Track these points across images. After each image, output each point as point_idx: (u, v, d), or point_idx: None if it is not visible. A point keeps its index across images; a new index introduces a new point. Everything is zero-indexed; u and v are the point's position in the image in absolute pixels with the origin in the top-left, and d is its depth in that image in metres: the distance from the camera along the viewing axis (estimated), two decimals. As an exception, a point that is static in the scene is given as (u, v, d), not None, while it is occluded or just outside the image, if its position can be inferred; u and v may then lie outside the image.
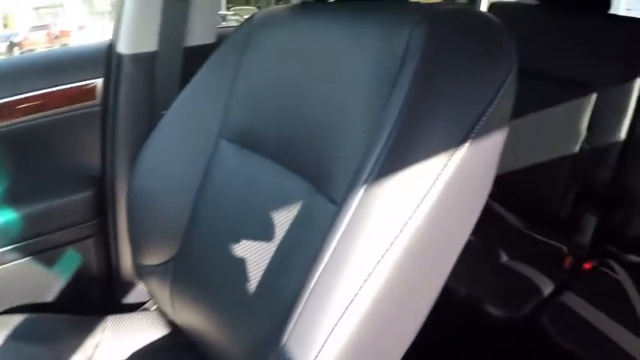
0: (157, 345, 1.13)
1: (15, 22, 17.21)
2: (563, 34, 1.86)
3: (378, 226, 0.65)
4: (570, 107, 1.78)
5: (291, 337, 0.68)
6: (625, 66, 1.75)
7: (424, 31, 0.71)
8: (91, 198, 1.36)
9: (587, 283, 1.58)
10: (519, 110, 1.84)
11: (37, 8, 18.02)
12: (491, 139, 0.72)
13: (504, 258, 1.59)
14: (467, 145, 0.68)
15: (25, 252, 1.28)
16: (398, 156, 0.67)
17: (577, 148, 1.76)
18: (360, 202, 0.67)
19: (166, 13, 1.24)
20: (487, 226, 1.78)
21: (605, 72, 1.76)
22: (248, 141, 0.97)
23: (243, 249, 0.91)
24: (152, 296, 1.18)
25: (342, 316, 0.65)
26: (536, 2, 1.98)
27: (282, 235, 0.85)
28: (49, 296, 1.35)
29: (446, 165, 0.67)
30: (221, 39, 1.36)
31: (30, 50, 13.83)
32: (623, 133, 1.73)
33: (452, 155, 0.67)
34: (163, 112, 1.10)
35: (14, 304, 1.29)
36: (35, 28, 15.79)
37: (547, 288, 1.49)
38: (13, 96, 1.25)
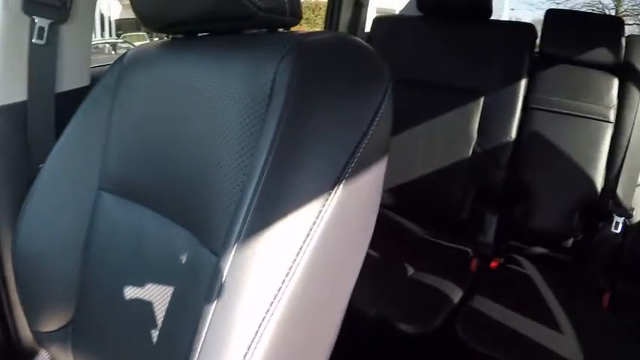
0: None
1: None
2: (448, 43, 1.93)
3: (260, 276, 0.62)
4: (460, 113, 1.85)
5: None
6: (508, 69, 1.84)
7: (290, 65, 0.67)
8: None
9: (495, 282, 1.63)
10: (411, 120, 1.91)
11: None
12: (372, 166, 0.70)
13: (411, 271, 1.59)
14: (346, 178, 0.65)
15: None
16: (270, 202, 0.63)
17: (470, 152, 1.82)
18: (237, 253, 0.63)
19: (33, 59, 1.15)
20: (391, 239, 1.82)
21: (490, 77, 1.84)
22: (128, 191, 0.91)
23: (137, 305, 0.86)
24: None
25: None
26: (419, 14, 2.03)
27: (171, 290, 0.80)
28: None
29: (326, 203, 0.64)
30: (96, 80, 1.29)
31: None
32: (512, 134, 1.81)
33: (330, 192, 0.65)
34: (40, 166, 1.02)
35: None
36: None
37: (456, 295, 1.52)
38: None
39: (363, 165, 0.67)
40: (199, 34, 0.92)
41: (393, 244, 1.76)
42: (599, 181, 1.74)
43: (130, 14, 1.08)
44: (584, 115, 1.77)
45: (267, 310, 0.61)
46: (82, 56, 1.26)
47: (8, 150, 1.19)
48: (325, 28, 2.15)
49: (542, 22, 1.89)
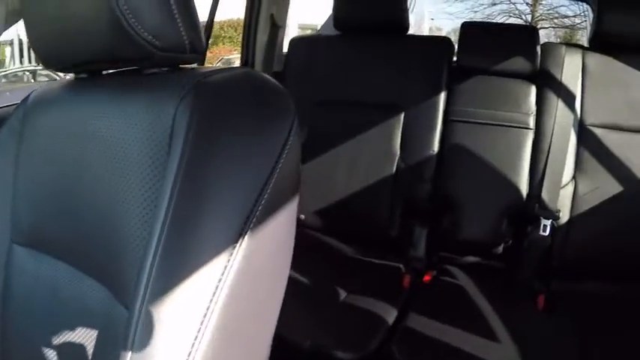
0: None
1: None
2: (367, 60, 1.93)
3: (171, 334, 0.59)
4: (382, 130, 1.84)
5: None
6: (427, 83, 1.85)
7: (188, 106, 0.64)
8: None
9: (430, 297, 1.61)
10: (333, 140, 1.88)
11: None
12: (282, 205, 0.67)
13: (343, 295, 1.55)
14: (253, 223, 0.62)
15: None
16: (174, 258, 0.60)
17: (394, 168, 1.82)
18: (146, 310, 0.59)
19: None
20: (321, 262, 1.77)
21: (410, 91, 1.85)
22: (41, 243, 0.86)
23: (56, 358, 0.80)
24: None
25: None
26: (337, 33, 2.03)
27: (89, 344, 0.76)
28: None
29: (233, 252, 0.61)
30: (2, 122, 1.20)
31: None
32: (435, 147, 1.82)
33: (237, 241, 0.61)
34: None
35: None
36: None
37: (391, 315, 1.48)
38: None
39: (272, 206, 0.64)
40: (104, 72, 0.86)
41: (323, 267, 1.73)
42: (524, 187, 1.76)
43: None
44: (504, 123, 1.80)
45: None
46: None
47: None
48: (242, 51, 2.11)
49: None
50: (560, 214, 1.72)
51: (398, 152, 1.82)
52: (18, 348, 0.89)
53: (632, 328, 1.49)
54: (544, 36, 11.42)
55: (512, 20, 12.37)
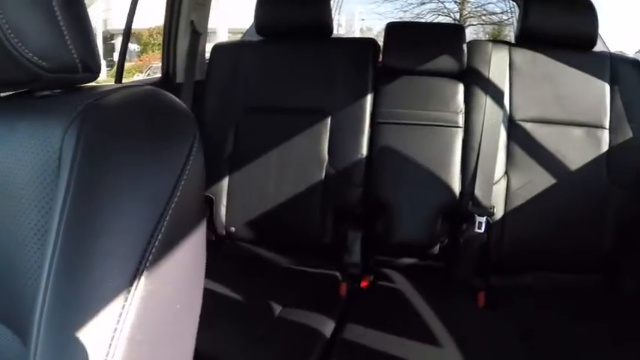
0: None
1: None
2: (291, 65, 1.88)
3: None
4: (309, 135, 1.80)
5: None
6: (353, 86, 1.82)
7: (75, 131, 0.58)
8: None
9: (368, 304, 1.57)
10: (260, 149, 1.81)
11: None
12: (186, 226, 0.61)
13: (278, 309, 1.48)
14: (155, 249, 0.56)
15: None
16: (63, 304, 0.55)
17: (323, 174, 1.78)
18: (39, 356, 0.54)
19: None
20: (253, 276, 1.70)
21: (336, 95, 1.81)
22: None
23: None
24: None
25: None
26: (260, 39, 1.96)
27: None
28: None
29: (129, 296, 0.55)
30: None
31: None
32: (363, 151, 1.79)
33: (133, 284, 0.55)
34: None
35: None
36: None
37: (328, 328, 1.41)
38: None
39: (173, 233, 0.58)
40: None
41: (256, 281, 1.67)
42: (457, 185, 1.75)
43: None
44: (432, 123, 1.78)
45: None
46: None
47: None
48: (162, 60, 2.02)
49: None
50: (495, 210, 1.72)
51: (326, 158, 1.79)
52: None
53: (571, 318, 1.51)
54: (472, 33, 11.74)
55: (441, 19, 12.70)
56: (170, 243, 0.58)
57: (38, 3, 0.61)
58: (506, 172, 1.75)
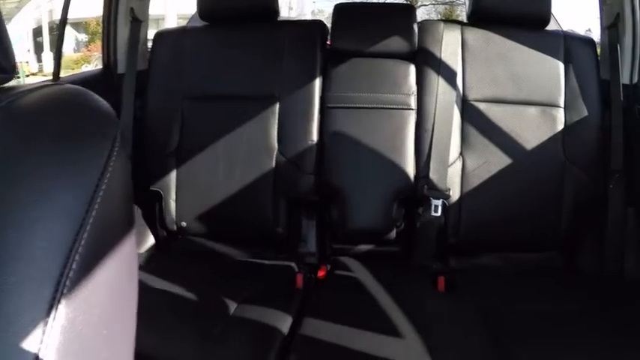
0: None
1: None
2: (237, 50, 1.82)
3: None
4: (257, 123, 1.75)
5: None
6: (301, 70, 1.77)
7: None
8: None
9: (325, 296, 1.52)
10: (207, 139, 1.72)
11: None
12: (111, 238, 0.55)
13: (233, 307, 1.42)
14: (73, 271, 0.49)
15: None
16: None
17: (273, 163, 1.73)
18: None
19: None
20: (207, 272, 1.62)
21: (284, 80, 1.76)
22: None
23: None
24: None
25: None
26: (204, 24, 1.89)
27: None
28: None
29: (52, 314, 0.48)
30: None
31: None
32: (314, 137, 1.74)
33: (49, 315, 0.48)
34: None
35: None
36: None
37: (285, 323, 1.36)
38: None
39: (94, 254, 0.51)
40: None
41: (209, 277, 1.61)
42: (411, 169, 1.72)
43: None
44: (384, 106, 1.74)
45: None
46: None
47: None
48: (102, 50, 1.92)
49: None
50: (451, 193, 1.70)
51: (276, 145, 1.74)
52: None
53: (533, 298, 1.50)
54: (425, 14, 11.72)
55: (393, -1, 12.66)
56: (91, 263, 0.51)
57: None
58: (461, 154, 1.73)
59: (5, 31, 0.61)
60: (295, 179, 1.73)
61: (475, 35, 1.78)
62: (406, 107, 1.74)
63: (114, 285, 0.56)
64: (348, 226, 1.73)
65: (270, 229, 1.74)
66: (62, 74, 1.89)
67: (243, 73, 1.78)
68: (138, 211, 1.84)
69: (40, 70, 14.95)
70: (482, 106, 1.74)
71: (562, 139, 1.72)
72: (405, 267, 1.73)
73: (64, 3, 1.85)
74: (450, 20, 1.86)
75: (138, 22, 1.87)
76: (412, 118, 1.74)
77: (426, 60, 1.77)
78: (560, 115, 1.73)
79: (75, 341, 0.50)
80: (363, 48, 1.78)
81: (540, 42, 1.77)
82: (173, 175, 1.76)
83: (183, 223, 1.77)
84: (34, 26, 16.22)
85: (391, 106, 1.74)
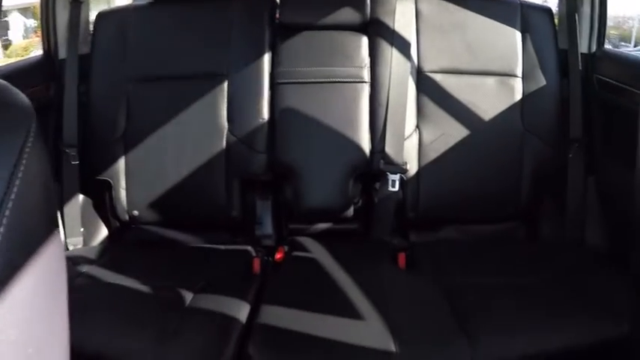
0: None
1: None
2: (183, 27, 1.75)
3: None
4: (206, 103, 1.69)
5: None
6: (249, 46, 1.72)
7: None
8: None
9: (284, 280, 1.48)
10: (154, 122, 1.66)
11: None
12: (29, 246, 0.49)
13: (189, 297, 1.36)
14: None
15: None
16: None
17: (224, 143, 1.68)
18: None
19: None
20: (162, 262, 1.57)
21: (231, 57, 1.70)
22: None
23: None
24: None
25: None
26: (149, 2, 1.81)
27: None
28: None
29: None
30: None
31: None
32: (265, 114, 1.70)
33: None
34: None
35: None
36: None
37: (244, 312, 1.31)
38: None
39: (10, 267, 0.46)
40: None
41: (164, 267, 1.55)
42: (366, 143, 1.69)
43: None
44: (336, 80, 1.70)
45: None
46: None
47: None
48: (42, 34, 1.82)
49: None
50: (408, 166, 1.67)
51: (226, 125, 1.68)
52: None
53: (494, 269, 1.49)
54: None
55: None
56: (7, 278, 0.45)
57: None
58: (417, 127, 1.70)
59: None
60: (247, 159, 1.69)
61: (430, 5, 1.74)
62: (359, 80, 1.69)
63: (35, 299, 0.50)
64: (303, 205, 1.69)
65: (224, 212, 1.70)
66: (9, 61, 1.80)
67: (189, 52, 1.72)
68: (89, 202, 1.78)
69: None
70: (437, 77, 1.70)
71: (520, 109, 1.69)
72: (365, 244, 1.71)
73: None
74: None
75: (78, 3, 1.78)
76: (366, 91, 1.70)
77: (378, 31, 1.72)
78: (517, 84, 1.70)
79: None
80: (312, 21, 1.73)
81: (496, 11, 1.74)
82: (122, 162, 1.70)
83: (135, 212, 1.71)
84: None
85: (343, 80, 1.70)
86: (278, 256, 1.60)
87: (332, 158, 1.68)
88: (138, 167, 1.69)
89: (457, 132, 1.69)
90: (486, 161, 1.69)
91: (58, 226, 0.55)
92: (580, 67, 1.72)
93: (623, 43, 8.01)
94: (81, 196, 1.73)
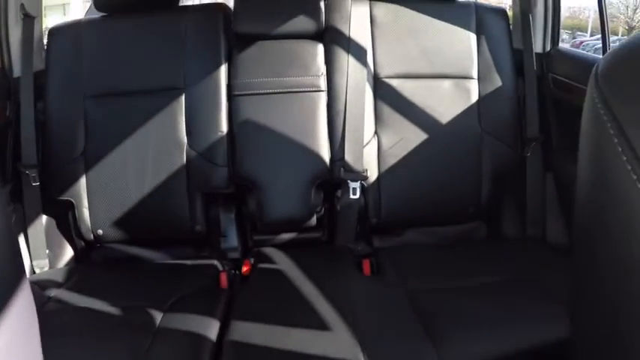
0: None
1: None
2: (138, 41, 1.72)
3: None
4: (165, 118, 1.67)
5: None
6: (205, 58, 1.70)
7: None
8: None
9: (251, 294, 1.47)
10: (113, 139, 1.64)
11: None
12: None
13: (159, 317, 1.34)
14: None
15: None
16: None
17: (184, 158, 1.67)
18: None
19: None
20: (129, 281, 1.56)
21: (188, 70, 1.69)
22: None
23: None
24: None
25: None
26: (102, 15, 1.78)
27: None
28: None
29: None
30: None
31: None
32: (223, 128, 1.68)
33: None
34: None
35: None
36: None
37: (213, 330, 1.30)
38: None
39: None
40: None
41: (132, 286, 1.53)
42: (326, 152, 1.69)
43: None
44: (293, 90, 1.70)
45: None
46: None
47: None
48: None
49: None
50: (368, 173, 1.68)
51: (185, 140, 1.67)
52: None
53: (457, 272, 1.51)
54: None
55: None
56: None
57: None
58: (375, 133, 1.71)
59: None
60: (208, 173, 1.67)
61: (384, 10, 1.75)
62: (316, 89, 1.70)
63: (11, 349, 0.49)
64: (266, 216, 1.69)
65: (188, 227, 1.69)
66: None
67: (145, 66, 1.69)
68: (52, 223, 1.75)
69: None
70: (394, 82, 1.71)
71: (477, 111, 1.72)
72: (329, 252, 1.71)
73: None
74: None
75: (30, 18, 1.74)
76: (323, 99, 1.70)
77: (334, 39, 1.73)
78: (474, 86, 1.73)
79: None
80: (267, 30, 1.72)
81: (451, 14, 1.76)
82: (83, 181, 1.67)
83: (100, 231, 1.69)
84: None
85: (300, 90, 1.69)
86: (244, 269, 1.60)
87: (292, 169, 1.68)
88: (100, 185, 1.67)
89: (415, 136, 1.70)
90: (446, 164, 1.71)
91: (23, 267, 0.53)
92: (535, 67, 1.74)
93: (579, 33, 8.20)
94: (44, 218, 1.70)
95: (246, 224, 1.78)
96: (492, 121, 1.72)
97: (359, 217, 1.70)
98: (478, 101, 1.72)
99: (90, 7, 2.45)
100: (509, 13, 1.90)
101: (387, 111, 1.70)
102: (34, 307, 0.56)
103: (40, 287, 1.48)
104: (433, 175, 1.70)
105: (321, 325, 1.28)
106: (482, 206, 1.73)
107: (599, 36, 1.74)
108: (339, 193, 1.71)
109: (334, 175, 1.69)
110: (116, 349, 1.23)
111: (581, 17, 8.44)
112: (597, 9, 1.68)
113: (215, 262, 1.63)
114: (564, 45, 2.41)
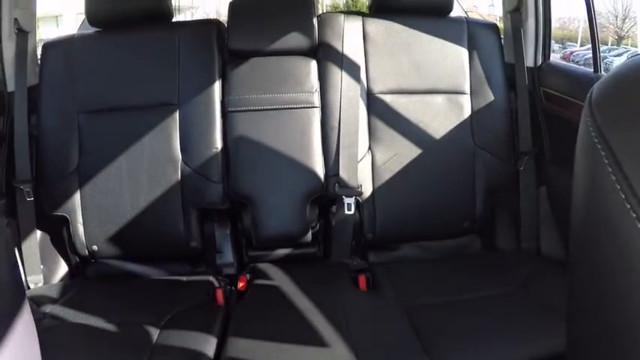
0: None
1: None
2: (131, 56, 1.72)
3: None
4: (159, 134, 1.67)
5: None
6: (200, 74, 1.70)
7: None
8: None
9: (248, 310, 1.47)
10: (108, 155, 1.64)
11: None
12: None
13: (155, 334, 1.34)
14: None
15: None
16: None
17: (179, 175, 1.66)
18: None
19: None
20: (125, 298, 1.56)
21: (182, 86, 1.69)
22: None
23: None
24: None
25: None
26: (95, 30, 1.78)
27: None
28: None
29: None
30: None
31: None
32: (218, 144, 1.68)
33: None
34: None
35: None
36: None
37: (210, 346, 1.29)
38: None
39: None
40: None
41: (128, 303, 1.53)
42: (320, 168, 1.69)
43: None
44: (287, 106, 1.70)
45: None
46: None
47: None
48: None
49: None
50: (363, 188, 1.69)
51: (180, 156, 1.67)
52: None
53: (453, 287, 1.51)
54: (329, 6, 11.41)
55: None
56: None
57: None
58: (370, 148, 1.71)
59: None
60: (203, 190, 1.67)
61: (377, 26, 1.76)
62: (310, 105, 1.70)
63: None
64: (261, 232, 1.69)
65: (183, 243, 1.68)
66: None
67: (139, 82, 1.69)
68: (47, 238, 1.75)
69: None
70: (387, 98, 1.72)
71: (470, 126, 1.73)
72: (325, 268, 1.71)
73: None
74: (351, 12, 1.82)
75: (24, 33, 1.74)
76: (317, 116, 1.70)
77: (327, 55, 1.73)
78: (466, 101, 1.74)
79: None
80: (260, 47, 1.73)
81: (443, 29, 1.77)
82: (77, 196, 1.66)
83: (95, 247, 1.68)
84: None
85: (294, 106, 1.70)
86: (240, 285, 1.60)
87: (287, 184, 1.68)
88: (94, 201, 1.66)
89: (409, 151, 1.71)
90: (439, 178, 1.72)
91: (23, 295, 0.53)
92: (527, 81, 1.76)
93: (570, 43, 8.25)
94: (39, 233, 1.69)
95: (242, 240, 1.78)
96: (485, 136, 1.73)
97: (354, 233, 1.71)
98: (471, 116, 1.73)
99: (84, 19, 2.45)
100: (500, 26, 1.91)
101: (380, 127, 1.71)
102: (34, 325, 0.56)
103: (35, 303, 1.48)
104: (427, 190, 1.71)
105: (318, 340, 1.29)
106: (476, 220, 1.74)
107: (589, 46, 1.75)
108: (333, 208, 1.72)
109: (329, 190, 1.69)
110: None
111: (571, 28, 8.49)
112: (587, 19, 1.68)
113: (210, 278, 1.63)
114: (555, 55, 2.42)
